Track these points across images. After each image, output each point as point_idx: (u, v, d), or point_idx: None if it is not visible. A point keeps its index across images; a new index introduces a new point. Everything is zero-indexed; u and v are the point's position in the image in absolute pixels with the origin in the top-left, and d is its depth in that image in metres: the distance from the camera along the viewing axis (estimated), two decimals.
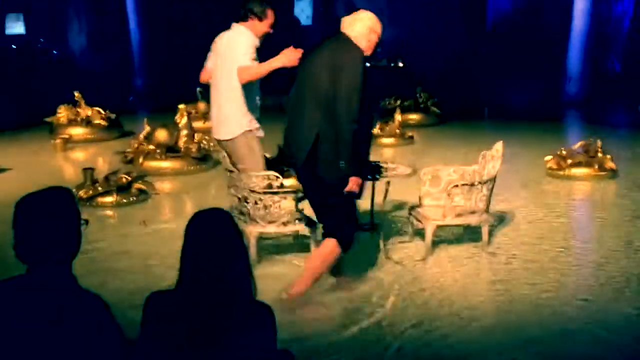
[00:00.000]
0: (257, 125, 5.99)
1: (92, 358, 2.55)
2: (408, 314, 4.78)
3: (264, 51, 5.96)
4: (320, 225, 5.21)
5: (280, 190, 5.67)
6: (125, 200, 7.60)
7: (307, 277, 4.85)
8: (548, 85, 14.32)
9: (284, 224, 5.61)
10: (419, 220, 5.84)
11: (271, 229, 5.56)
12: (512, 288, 5.21)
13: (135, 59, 17.63)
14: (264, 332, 2.78)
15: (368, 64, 14.42)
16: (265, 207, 5.57)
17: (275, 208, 5.59)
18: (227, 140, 5.93)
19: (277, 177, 6.05)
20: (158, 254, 6.03)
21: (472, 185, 5.67)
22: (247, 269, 2.83)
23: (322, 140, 4.45)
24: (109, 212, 7.42)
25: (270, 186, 5.78)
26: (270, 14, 5.90)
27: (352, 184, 4.50)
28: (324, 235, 4.91)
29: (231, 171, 5.72)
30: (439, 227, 5.80)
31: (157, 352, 2.73)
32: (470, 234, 6.12)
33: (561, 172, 8.42)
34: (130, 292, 5.11)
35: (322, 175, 4.55)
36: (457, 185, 5.66)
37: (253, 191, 5.59)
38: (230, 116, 5.89)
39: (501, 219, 6.65)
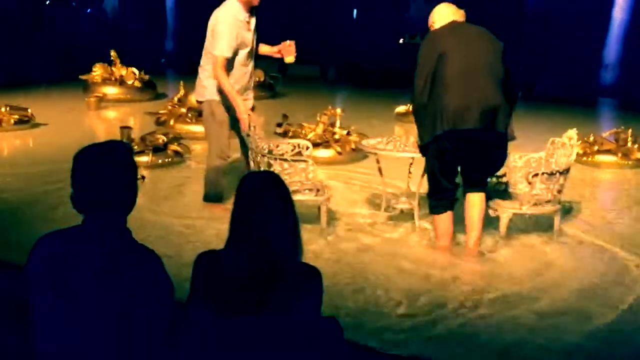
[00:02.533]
0: (241, 97, 5.96)
1: (146, 310, 2.58)
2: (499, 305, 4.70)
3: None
4: (327, 195, 5.75)
5: (287, 157, 5.72)
6: (160, 161, 7.65)
7: (480, 228, 5.38)
8: (584, 70, 14.19)
9: (294, 192, 5.58)
10: (492, 208, 5.67)
11: None
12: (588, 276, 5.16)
13: (169, 21, 17.63)
14: (310, 295, 2.80)
15: (402, 41, 14.41)
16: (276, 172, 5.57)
17: (285, 175, 5.59)
18: (199, 102, 6.23)
19: (308, 147, 6.08)
20: (189, 216, 6.13)
21: (552, 174, 5.57)
22: (294, 231, 2.84)
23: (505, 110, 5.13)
24: (144, 172, 7.46)
25: (300, 154, 5.84)
26: None
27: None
28: (471, 191, 5.30)
29: (248, 135, 5.79)
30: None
31: (206, 311, 2.76)
32: (534, 223, 6.02)
33: (586, 159, 8.35)
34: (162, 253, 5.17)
35: (504, 139, 5.18)
36: (537, 174, 5.55)
37: (263, 155, 5.63)
38: (202, 82, 6.07)
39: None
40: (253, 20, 6.01)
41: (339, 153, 7.99)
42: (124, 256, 2.62)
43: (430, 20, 5.40)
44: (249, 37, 5.97)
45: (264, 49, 6.22)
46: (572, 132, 5.82)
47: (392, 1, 17.69)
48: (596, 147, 8.44)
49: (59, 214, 5.89)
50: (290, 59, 6.06)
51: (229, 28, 5.80)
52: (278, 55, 6.21)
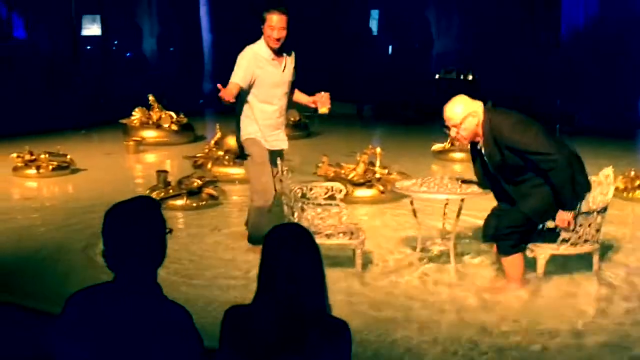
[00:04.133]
0: (271, 136, 6.10)
1: None
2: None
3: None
4: (361, 238, 5.71)
5: (321, 202, 5.73)
6: (194, 204, 7.71)
7: None
8: (621, 101, 14.03)
9: (327, 236, 5.61)
10: (529, 249, 5.55)
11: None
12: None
13: (206, 63, 17.85)
14: (339, 348, 2.77)
15: (438, 76, 14.51)
16: (308, 217, 5.59)
17: (318, 219, 5.60)
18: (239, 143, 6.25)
19: (341, 190, 6.07)
20: (219, 264, 6.12)
21: (589, 213, 5.48)
22: (321, 285, 2.83)
23: None
24: (178, 215, 7.52)
25: (333, 197, 5.84)
26: (268, 16, 5.91)
27: None
28: None
29: (281, 180, 5.84)
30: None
31: None
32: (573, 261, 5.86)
33: (627, 194, 8.15)
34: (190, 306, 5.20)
35: None
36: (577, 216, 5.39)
37: (297, 200, 5.64)
38: (238, 123, 6.18)
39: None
40: (286, 60, 6.10)
41: (382, 192, 7.96)
42: (154, 312, 2.65)
43: (469, 109, 5.30)
44: (275, 74, 6.04)
45: (300, 98, 6.32)
46: (609, 170, 5.73)
47: (425, 36, 17.79)
48: (638, 182, 8.26)
49: (95, 263, 5.91)
50: (324, 110, 6.10)
51: (245, 60, 5.96)
52: (313, 106, 6.27)
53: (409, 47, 17.86)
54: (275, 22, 5.89)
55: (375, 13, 18.59)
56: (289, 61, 6.16)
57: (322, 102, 6.13)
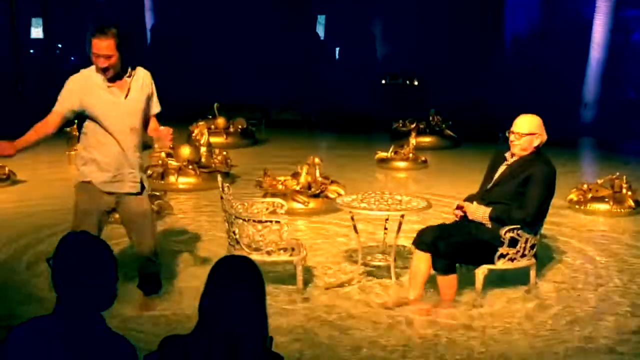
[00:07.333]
0: (98, 177, 5.15)
1: None
2: None
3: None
4: (303, 255, 5.75)
5: (261, 218, 5.75)
6: None
7: None
8: (563, 110, 14.34)
9: (268, 253, 5.66)
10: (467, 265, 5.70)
11: (256, 257, 5.38)
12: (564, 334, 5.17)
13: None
14: None
15: (384, 81, 14.64)
16: (249, 234, 5.63)
17: (259, 236, 5.64)
18: None
19: (282, 205, 6.10)
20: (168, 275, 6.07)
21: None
22: (263, 322, 2.85)
23: None
24: (121, 229, 7.41)
25: (274, 212, 5.87)
26: (93, 42, 4.97)
27: None
28: None
29: (222, 197, 5.81)
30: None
31: None
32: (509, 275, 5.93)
33: (581, 207, 8.34)
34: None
35: None
36: (509, 230, 5.49)
37: (237, 217, 5.67)
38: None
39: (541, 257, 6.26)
40: (131, 85, 5.15)
41: (328, 197, 8.01)
42: (97, 345, 2.67)
43: (540, 131, 5.57)
44: (111, 102, 5.07)
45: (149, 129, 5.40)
46: None
47: (370, 41, 17.96)
48: (590, 195, 8.40)
49: (34, 283, 5.88)
50: (162, 144, 5.90)
51: (67, 83, 5.13)
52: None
53: (355, 52, 17.97)
54: (99, 49, 4.96)
55: (322, 18, 18.66)
56: (138, 86, 5.19)
57: (162, 136, 5.34)
